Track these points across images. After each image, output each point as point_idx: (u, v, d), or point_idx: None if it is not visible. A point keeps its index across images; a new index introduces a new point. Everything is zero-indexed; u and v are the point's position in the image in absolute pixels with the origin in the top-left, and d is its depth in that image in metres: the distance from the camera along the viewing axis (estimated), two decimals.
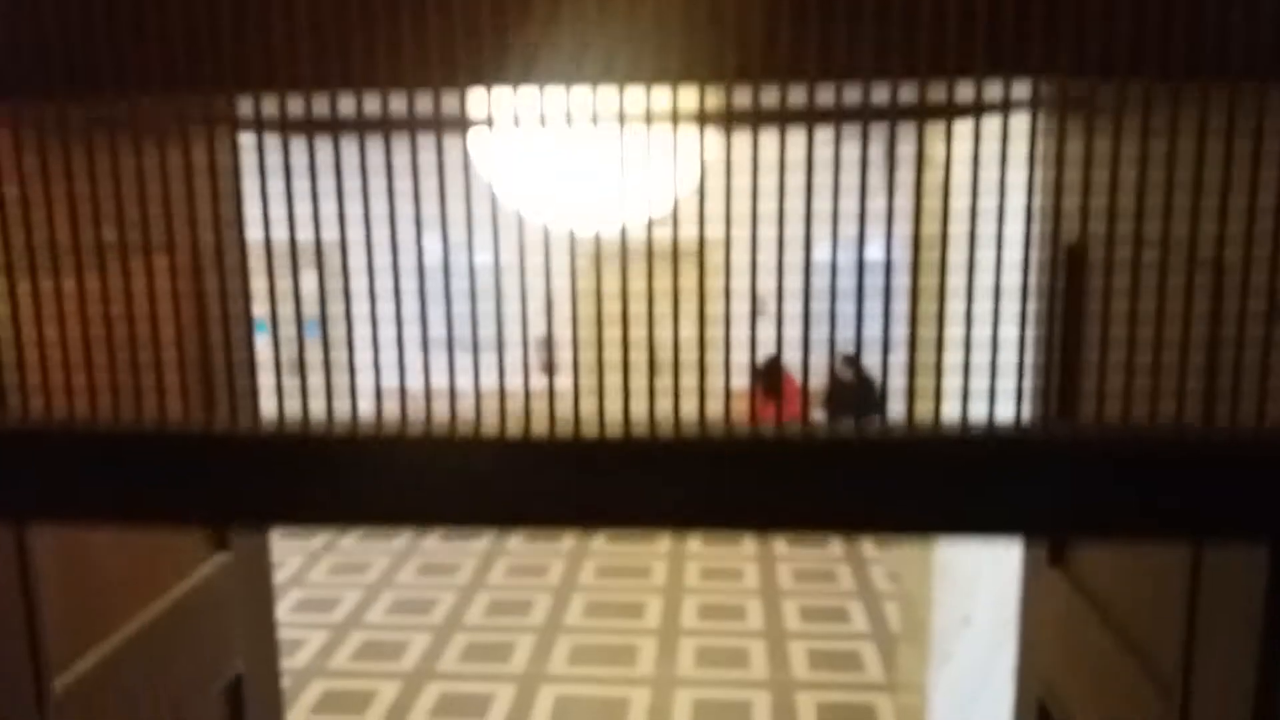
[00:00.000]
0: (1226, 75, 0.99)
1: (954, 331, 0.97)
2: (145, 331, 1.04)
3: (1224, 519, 0.90)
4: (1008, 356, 0.98)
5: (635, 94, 1.21)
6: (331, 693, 6.24)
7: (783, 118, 1.13)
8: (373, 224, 1.16)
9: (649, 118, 1.27)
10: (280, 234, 1.15)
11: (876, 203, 1.06)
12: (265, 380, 1.18)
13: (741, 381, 1.20)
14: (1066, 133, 1.08)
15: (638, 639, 6.83)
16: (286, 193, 1.17)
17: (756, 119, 1.19)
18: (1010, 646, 2.36)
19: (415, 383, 1.07)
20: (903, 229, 1.23)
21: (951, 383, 0.96)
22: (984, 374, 0.95)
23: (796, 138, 1.16)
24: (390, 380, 1.02)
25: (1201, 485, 0.89)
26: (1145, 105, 1.03)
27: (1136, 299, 0.98)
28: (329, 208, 1.16)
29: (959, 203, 1.01)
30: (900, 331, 1.11)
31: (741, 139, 1.19)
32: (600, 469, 0.92)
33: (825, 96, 1.15)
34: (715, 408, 0.99)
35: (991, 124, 1.08)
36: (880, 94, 1.09)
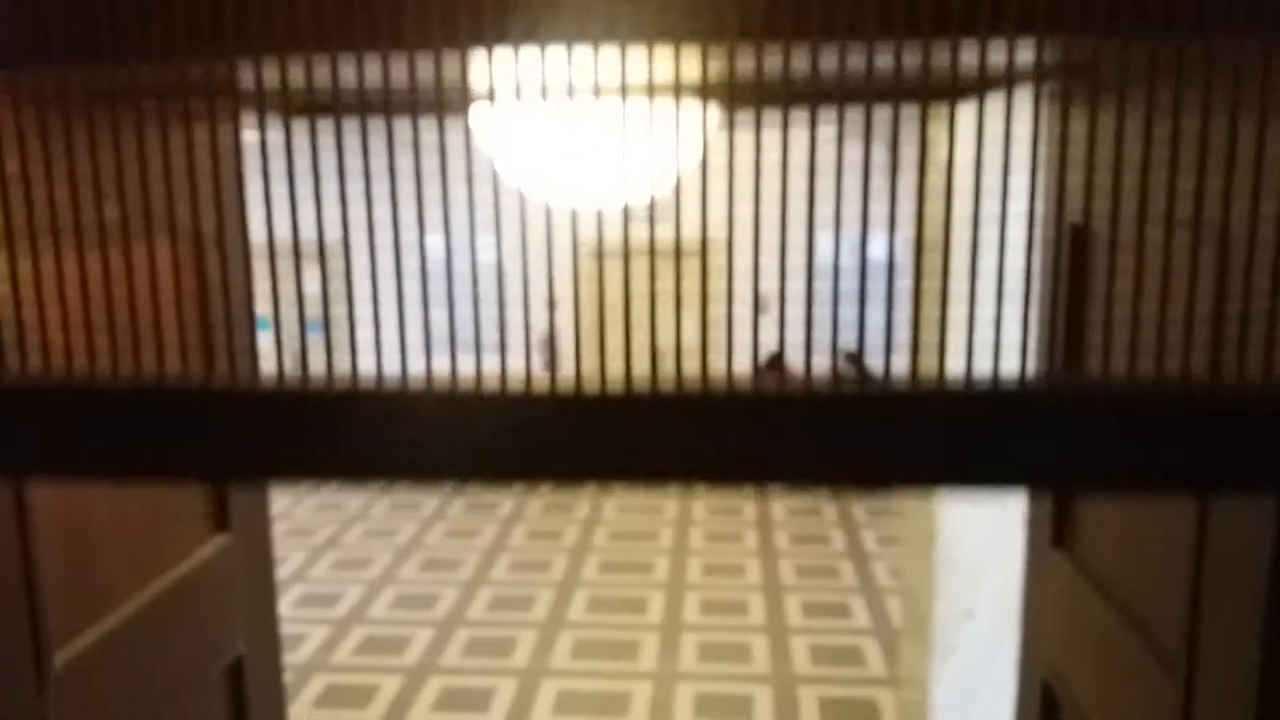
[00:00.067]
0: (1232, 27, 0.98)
1: (958, 285, 0.96)
2: (144, 288, 1.04)
3: (1230, 473, 0.89)
4: (1012, 309, 0.97)
5: (637, 59, 1.20)
6: (334, 687, 6.24)
7: (786, 76, 1.12)
8: (373, 199, 1.15)
9: (651, 87, 1.27)
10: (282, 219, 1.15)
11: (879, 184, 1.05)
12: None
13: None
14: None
15: (640, 634, 6.82)
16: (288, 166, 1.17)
17: (759, 85, 1.19)
18: (1012, 639, 2.35)
19: (415, 337, 1.06)
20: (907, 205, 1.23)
21: (955, 337, 0.95)
22: (988, 327, 0.95)
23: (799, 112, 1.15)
24: (390, 339, 1.02)
25: (1207, 439, 0.88)
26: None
27: (1142, 256, 0.97)
28: (330, 187, 1.15)
29: (962, 155, 1.00)
30: (903, 335, 1.11)
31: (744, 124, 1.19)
32: (602, 424, 0.92)
33: (828, 68, 1.14)
34: (717, 363, 0.99)
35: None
36: (884, 61, 1.08)
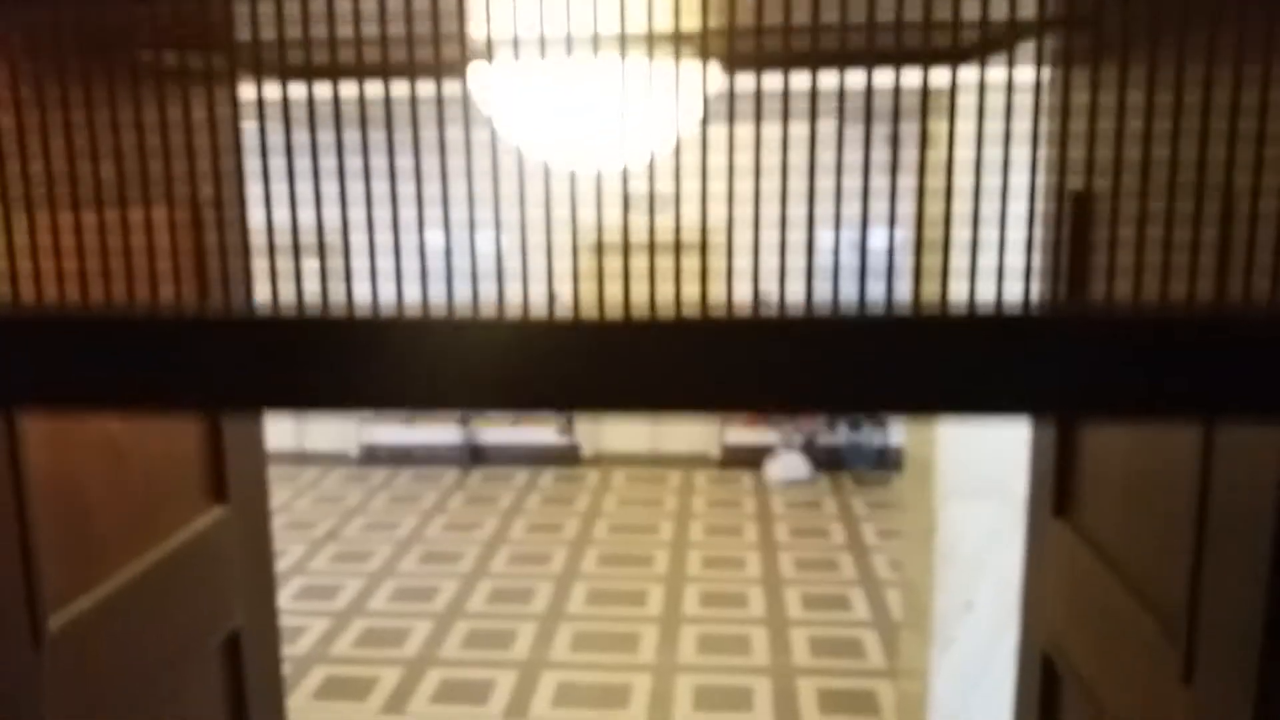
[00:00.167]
0: None
1: (961, 208, 0.95)
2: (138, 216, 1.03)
3: (1236, 398, 0.88)
4: (1016, 233, 0.97)
5: (637, 10, 1.19)
6: (333, 678, 6.24)
7: (786, 30, 1.11)
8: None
9: (651, 39, 1.26)
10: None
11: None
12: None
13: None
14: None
15: (639, 626, 6.82)
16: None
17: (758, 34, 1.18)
18: (1013, 630, 2.34)
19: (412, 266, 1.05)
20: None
21: (959, 262, 0.94)
22: (992, 251, 0.94)
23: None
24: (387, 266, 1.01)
25: (1213, 363, 0.87)
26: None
27: (1147, 181, 0.96)
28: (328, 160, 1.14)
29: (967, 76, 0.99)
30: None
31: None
32: (603, 351, 0.91)
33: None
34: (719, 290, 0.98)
35: None
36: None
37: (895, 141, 1.01)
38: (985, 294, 0.92)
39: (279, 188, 1.07)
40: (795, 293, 0.92)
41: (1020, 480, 2.29)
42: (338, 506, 9.44)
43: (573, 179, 1.25)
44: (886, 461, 9.79)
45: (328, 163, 1.07)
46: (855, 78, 1.04)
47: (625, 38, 1.35)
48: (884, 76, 1.05)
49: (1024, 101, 1.04)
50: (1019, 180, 1.01)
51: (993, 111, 0.96)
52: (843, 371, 0.89)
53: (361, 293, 0.97)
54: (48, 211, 1.08)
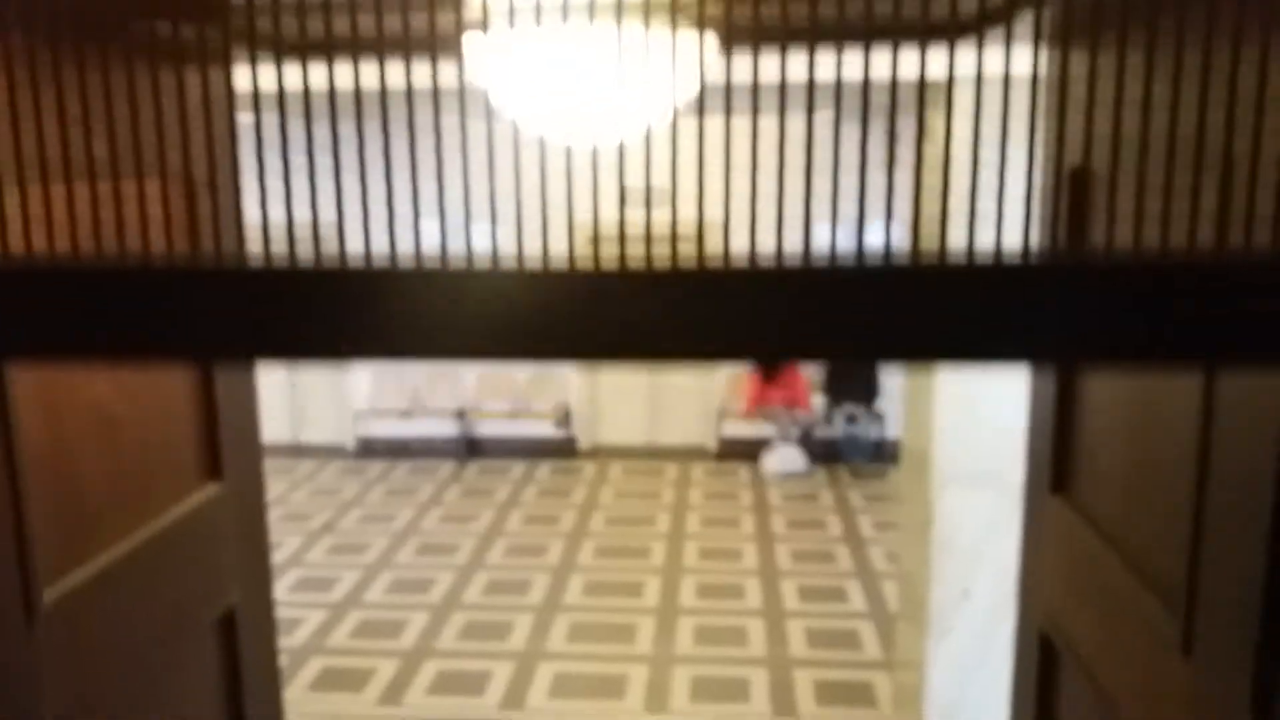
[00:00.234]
0: None
1: (960, 153, 0.94)
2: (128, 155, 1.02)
3: (1236, 342, 0.88)
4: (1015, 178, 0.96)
5: None
6: (330, 670, 6.24)
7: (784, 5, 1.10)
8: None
9: (647, 8, 1.25)
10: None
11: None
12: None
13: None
14: None
15: (636, 618, 6.82)
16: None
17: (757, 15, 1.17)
18: (1010, 618, 2.34)
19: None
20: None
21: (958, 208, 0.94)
22: (990, 198, 0.93)
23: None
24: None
25: (1213, 309, 0.87)
26: None
27: (1148, 123, 0.95)
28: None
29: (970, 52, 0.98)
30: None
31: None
32: (599, 300, 0.90)
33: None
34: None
35: None
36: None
37: (894, 98, 1.00)
38: (984, 242, 0.91)
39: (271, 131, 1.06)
40: (793, 242, 0.91)
41: (1016, 469, 2.28)
42: (334, 499, 9.43)
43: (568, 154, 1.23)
44: (883, 454, 9.79)
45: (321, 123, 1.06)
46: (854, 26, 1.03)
47: (621, 6, 1.34)
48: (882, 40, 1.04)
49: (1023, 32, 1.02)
50: (1018, 130, 1.01)
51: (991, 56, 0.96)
52: (842, 320, 0.89)
53: (354, 243, 0.96)
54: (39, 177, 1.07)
